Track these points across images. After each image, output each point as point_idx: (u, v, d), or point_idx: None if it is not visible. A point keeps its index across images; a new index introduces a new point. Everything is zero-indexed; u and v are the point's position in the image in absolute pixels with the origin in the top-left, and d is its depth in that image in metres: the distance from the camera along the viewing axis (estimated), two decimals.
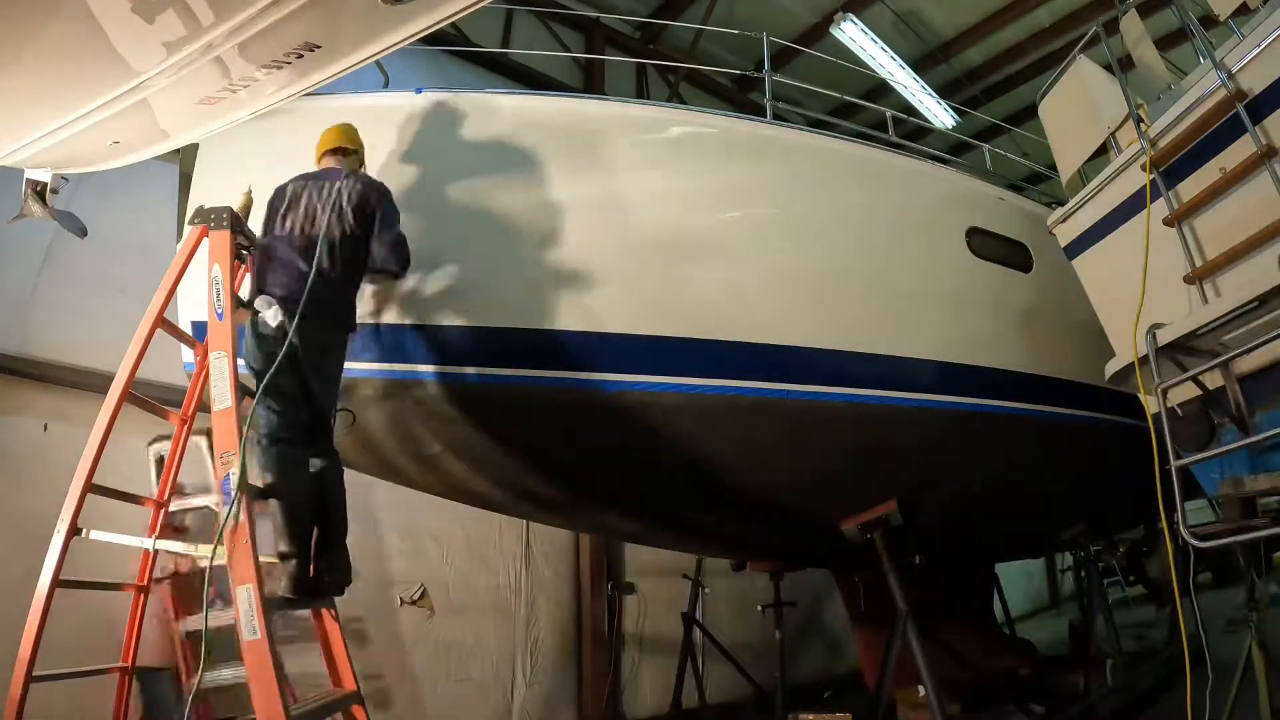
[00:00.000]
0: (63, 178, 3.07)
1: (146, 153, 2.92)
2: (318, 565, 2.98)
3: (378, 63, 3.04)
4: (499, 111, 3.84)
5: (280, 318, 2.92)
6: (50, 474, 4.77)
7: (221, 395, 2.72)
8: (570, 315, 3.72)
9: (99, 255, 5.00)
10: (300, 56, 2.27)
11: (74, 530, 2.89)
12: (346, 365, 3.25)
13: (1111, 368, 3.49)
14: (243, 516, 2.54)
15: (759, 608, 6.57)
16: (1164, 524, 3.14)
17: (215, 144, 3.61)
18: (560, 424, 3.82)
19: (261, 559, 2.52)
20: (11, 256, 4.86)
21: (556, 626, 7.05)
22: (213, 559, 2.71)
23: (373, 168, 3.61)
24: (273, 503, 2.86)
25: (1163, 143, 3.24)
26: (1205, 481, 3.23)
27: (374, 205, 3.25)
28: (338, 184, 3.21)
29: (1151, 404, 3.09)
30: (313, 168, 3.46)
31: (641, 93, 9.18)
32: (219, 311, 2.86)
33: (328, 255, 3.09)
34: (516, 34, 8.19)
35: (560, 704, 6.92)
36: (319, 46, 2.24)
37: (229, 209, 3.11)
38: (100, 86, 2.32)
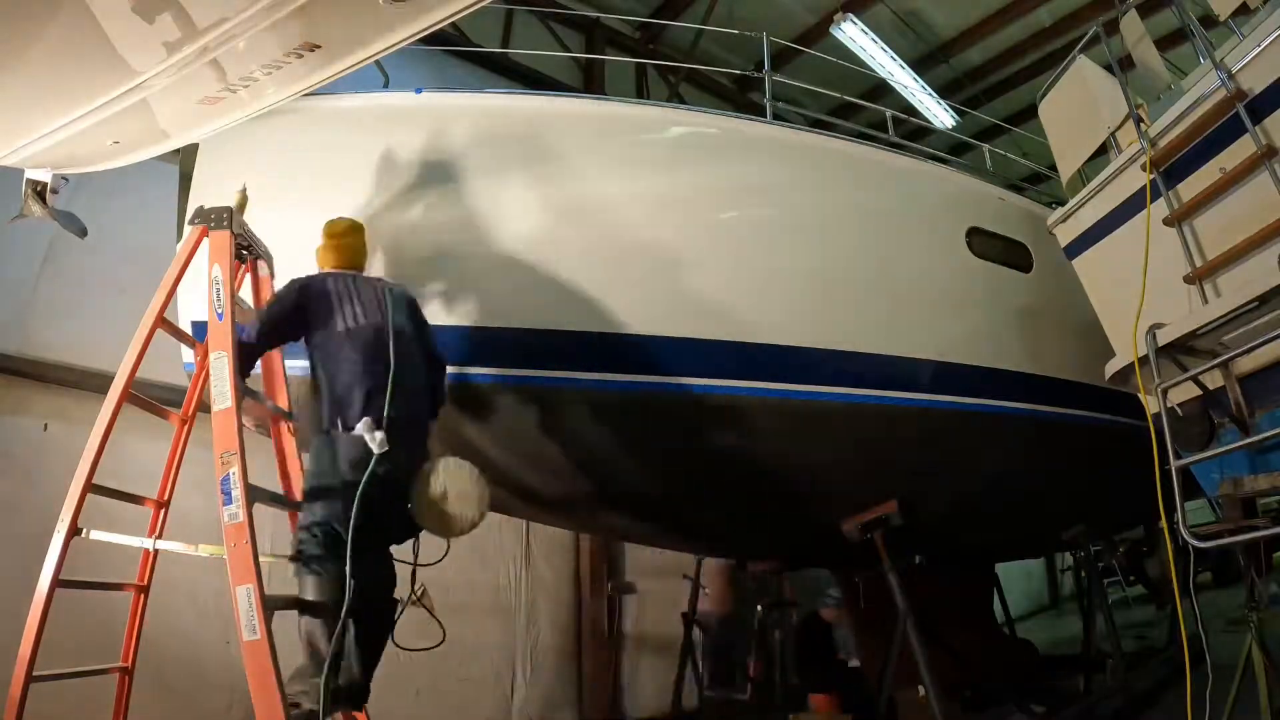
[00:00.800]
0: (63, 178, 3.06)
1: (146, 153, 2.92)
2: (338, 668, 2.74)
3: (378, 63, 3.03)
4: (494, 111, 3.84)
5: (385, 446, 2.74)
6: (50, 474, 4.77)
7: (221, 395, 2.71)
8: (570, 315, 3.72)
9: (99, 255, 5.00)
10: (300, 56, 2.27)
11: (74, 530, 2.87)
12: None
13: (1111, 368, 3.49)
14: (242, 516, 2.52)
15: (759, 607, 6.57)
16: (1164, 524, 3.14)
17: (215, 144, 3.61)
18: (559, 424, 3.82)
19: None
20: (11, 256, 4.87)
21: (556, 626, 7.06)
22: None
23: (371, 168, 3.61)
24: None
25: (1163, 143, 3.24)
26: (1205, 481, 3.23)
27: (423, 321, 3.27)
28: (393, 294, 3.12)
29: (1151, 404, 3.09)
30: (314, 169, 3.46)
31: (641, 93, 9.19)
32: (219, 312, 2.84)
33: (413, 371, 3.02)
34: (516, 34, 8.20)
35: (560, 704, 6.92)
36: (319, 46, 2.24)
37: (229, 209, 3.11)
38: (100, 86, 2.32)
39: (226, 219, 3.07)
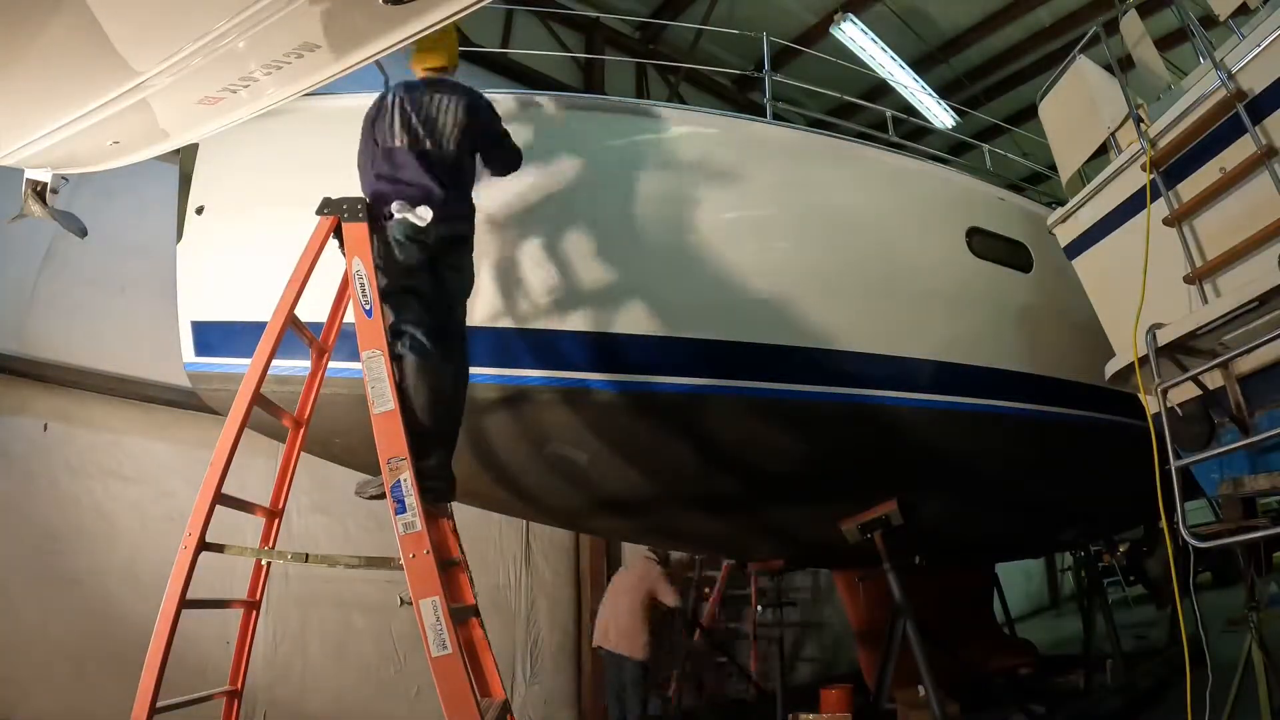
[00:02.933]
0: (63, 178, 3.05)
1: (146, 153, 2.91)
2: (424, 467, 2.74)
3: (378, 63, 3.03)
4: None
5: (430, 215, 2.88)
6: (50, 474, 4.79)
7: (382, 396, 2.56)
8: (568, 315, 3.72)
9: (99, 255, 5.01)
10: (300, 56, 2.26)
11: (202, 545, 2.56)
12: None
13: (1111, 368, 3.49)
14: (420, 524, 2.37)
15: (759, 608, 6.58)
16: (1164, 524, 3.13)
17: (215, 144, 3.61)
18: (557, 424, 3.82)
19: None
20: (11, 256, 4.88)
21: (556, 626, 7.06)
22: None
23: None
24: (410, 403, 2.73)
25: (1163, 143, 3.24)
26: (1205, 481, 3.23)
27: (487, 118, 3.30)
28: (451, 96, 3.20)
29: (1151, 404, 3.09)
30: (314, 169, 3.45)
31: (641, 93, 9.19)
32: (367, 308, 2.71)
33: (454, 160, 3.12)
34: (516, 34, 8.20)
35: (560, 704, 6.93)
36: (319, 46, 2.24)
37: (362, 199, 2.97)
38: (100, 86, 2.31)
39: (362, 210, 2.91)
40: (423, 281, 2.97)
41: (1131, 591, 11.10)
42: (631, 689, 5.92)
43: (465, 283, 3.23)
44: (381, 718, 5.80)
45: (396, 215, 2.92)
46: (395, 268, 2.92)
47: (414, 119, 3.12)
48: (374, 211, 2.97)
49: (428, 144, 3.10)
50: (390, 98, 3.18)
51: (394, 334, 2.84)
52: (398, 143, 3.09)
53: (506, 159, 3.45)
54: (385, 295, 2.89)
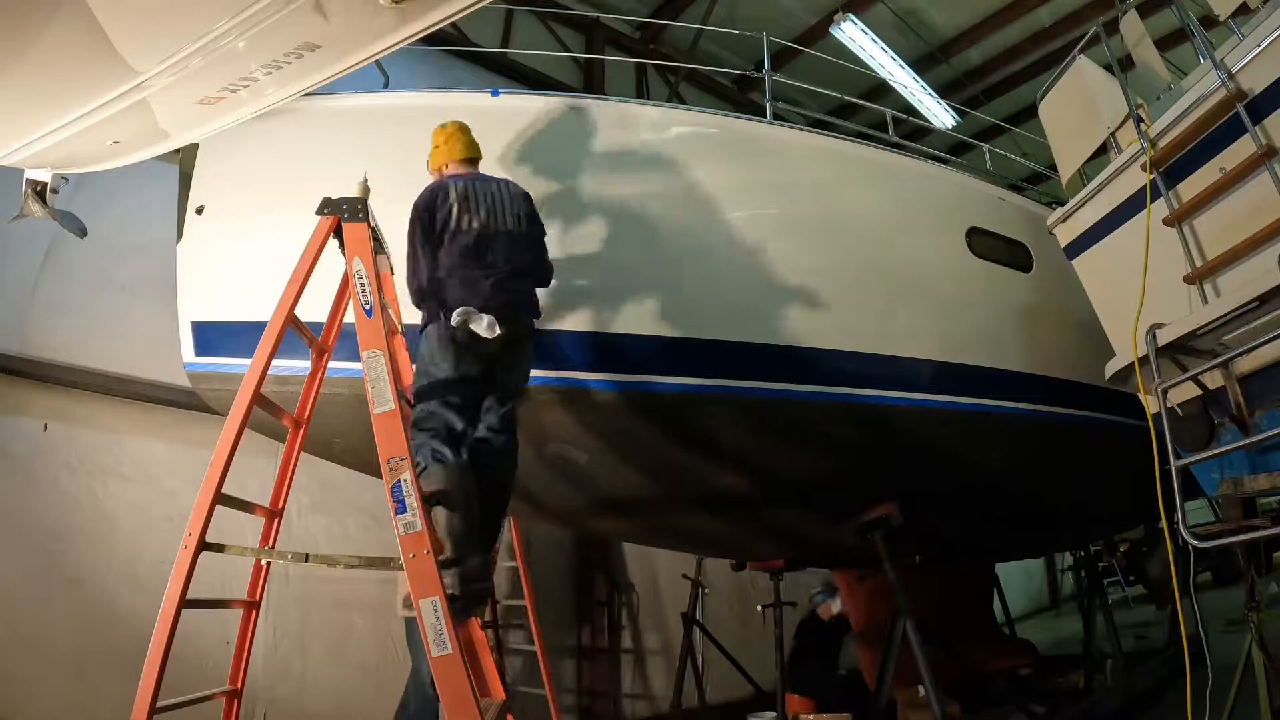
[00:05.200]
0: (63, 178, 3.06)
1: (146, 153, 2.91)
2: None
3: (378, 63, 3.03)
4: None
5: (497, 329, 2.84)
6: (50, 474, 4.79)
7: (382, 396, 2.54)
8: (568, 316, 3.72)
9: (99, 255, 5.01)
10: (300, 56, 2.26)
11: (202, 545, 2.55)
12: None
13: (1111, 368, 3.49)
14: (420, 524, 2.37)
15: (759, 608, 6.58)
16: (1164, 524, 3.13)
17: (215, 144, 3.61)
18: (557, 424, 3.82)
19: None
20: (11, 256, 4.87)
21: (556, 626, 7.06)
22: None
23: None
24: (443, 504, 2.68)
25: (1163, 143, 3.24)
26: (1205, 481, 3.23)
27: (536, 216, 3.28)
28: (508, 189, 3.19)
29: (1151, 404, 3.10)
30: (314, 169, 3.44)
31: (641, 93, 9.19)
32: (367, 308, 2.70)
33: (524, 254, 3.12)
34: (516, 34, 8.20)
35: (560, 704, 6.92)
36: (319, 46, 2.24)
37: (362, 200, 2.95)
38: (100, 86, 2.31)
39: (362, 210, 2.90)
40: (468, 391, 2.90)
41: (1131, 591, 11.10)
42: None
43: (523, 375, 3.15)
44: (382, 717, 5.79)
45: (456, 321, 2.83)
46: (443, 375, 2.86)
47: (480, 211, 3.05)
48: (446, 313, 2.89)
49: (507, 225, 3.08)
50: (450, 188, 3.08)
51: (416, 443, 2.74)
52: (477, 226, 3.02)
53: (542, 238, 3.36)
54: (420, 396, 2.83)
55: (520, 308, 3.09)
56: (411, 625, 4.30)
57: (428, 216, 3.06)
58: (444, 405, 2.86)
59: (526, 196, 3.26)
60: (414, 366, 3.01)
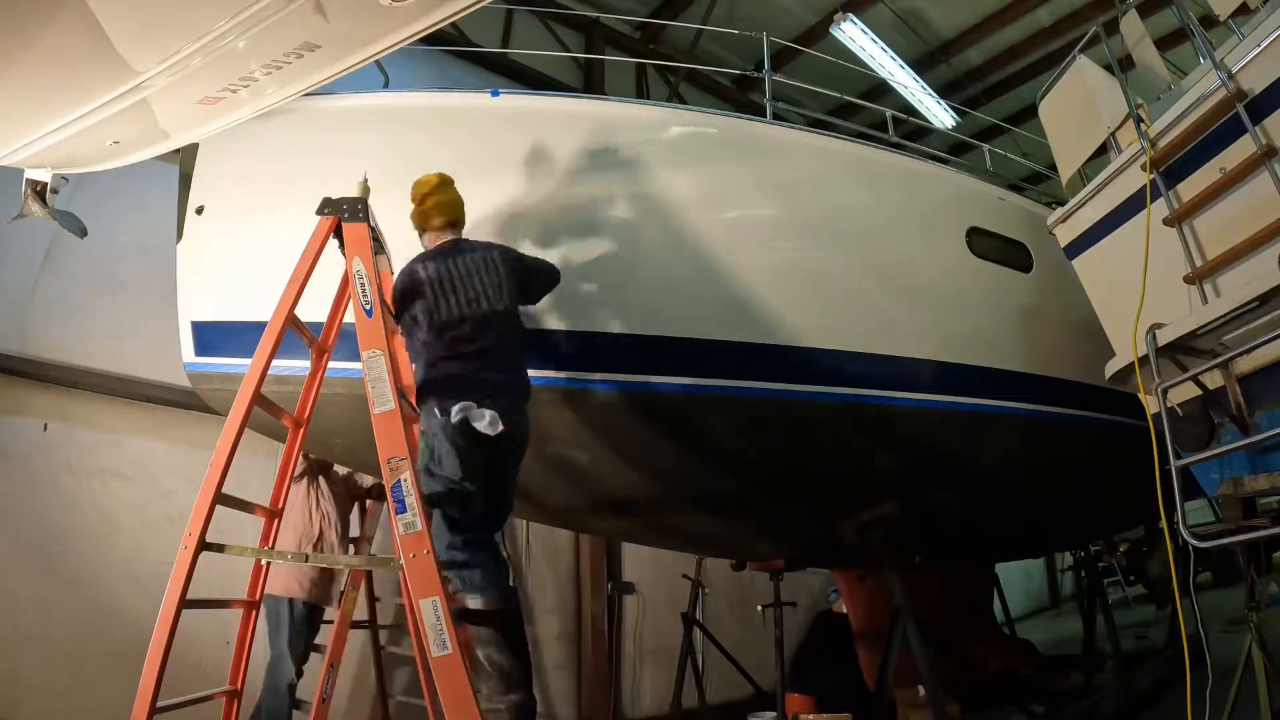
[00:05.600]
0: (63, 178, 3.06)
1: (146, 153, 2.91)
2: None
3: (378, 63, 3.03)
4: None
5: (500, 426, 2.72)
6: (50, 474, 4.79)
7: (382, 397, 2.53)
8: (569, 316, 3.72)
9: (99, 255, 5.01)
10: (300, 56, 2.26)
11: (202, 545, 2.54)
12: None
13: (1111, 368, 3.49)
14: (420, 524, 2.36)
15: (759, 608, 6.58)
16: (1164, 524, 3.13)
17: (215, 144, 3.61)
18: (558, 424, 3.82)
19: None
20: (11, 256, 4.88)
21: (556, 626, 7.06)
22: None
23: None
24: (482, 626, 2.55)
25: (1163, 143, 3.24)
26: (1205, 481, 3.23)
27: (525, 272, 3.19)
28: (490, 260, 3.04)
29: (1151, 404, 3.09)
30: (314, 169, 3.44)
31: (641, 93, 9.19)
32: (367, 308, 2.69)
33: (513, 338, 3.01)
34: (516, 34, 8.20)
35: (560, 704, 6.92)
36: (319, 46, 2.24)
37: (363, 200, 2.93)
38: (100, 86, 2.31)
39: (362, 210, 2.89)
40: (474, 493, 2.75)
41: (1131, 591, 11.10)
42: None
43: (513, 494, 3.04)
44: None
45: (455, 417, 2.72)
46: (448, 477, 2.73)
47: (462, 293, 2.93)
48: (442, 400, 2.78)
49: (491, 305, 2.95)
50: (421, 271, 2.95)
51: (450, 562, 2.60)
52: (457, 313, 2.89)
53: (547, 276, 3.30)
54: (432, 504, 2.65)
55: (519, 397, 2.98)
56: (276, 606, 4.10)
57: (402, 307, 2.99)
58: (476, 516, 2.74)
59: (509, 260, 3.11)
60: (422, 464, 2.82)
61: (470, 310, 2.93)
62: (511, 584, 2.81)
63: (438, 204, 3.15)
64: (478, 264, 3.02)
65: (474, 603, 2.59)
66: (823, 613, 6.80)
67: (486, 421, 2.73)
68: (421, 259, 3.05)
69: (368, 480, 4.86)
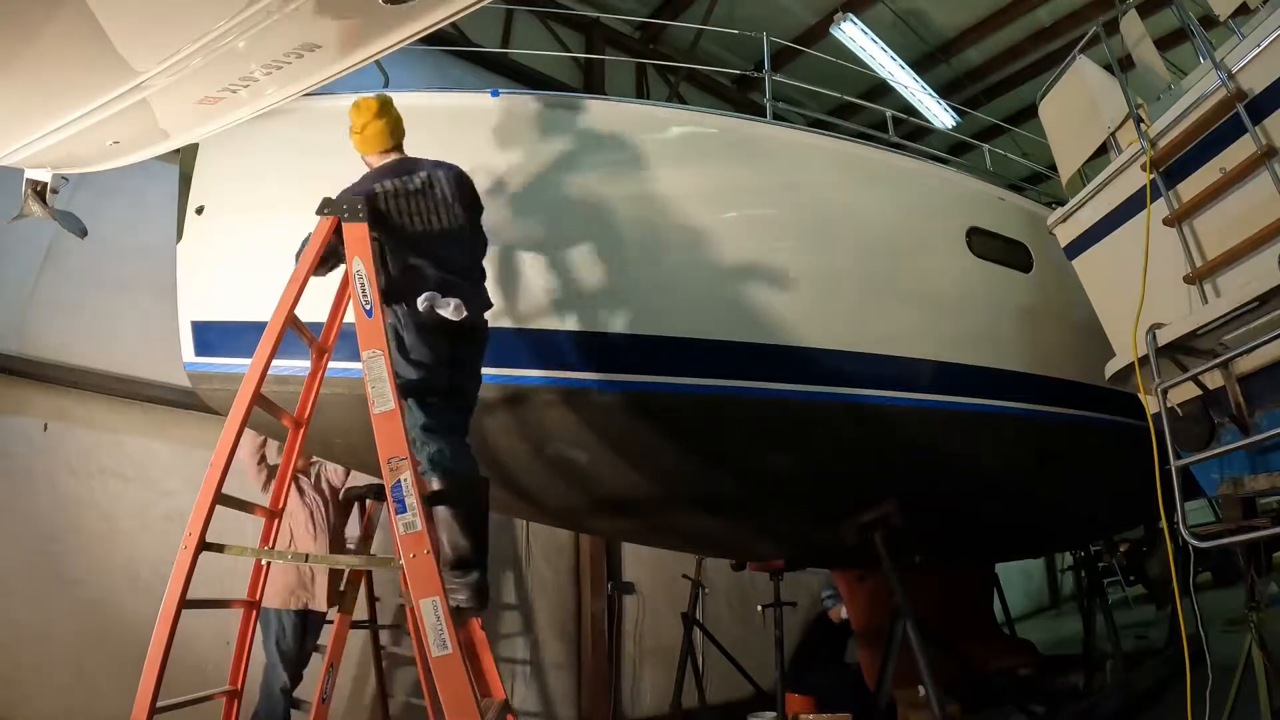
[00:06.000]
0: (63, 178, 3.06)
1: (146, 153, 2.91)
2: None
3: (378, 63, 3.03)
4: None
5: (464, 312, 2.88)
6: (50, 474, 4.79)
7: (382, 396, 2.56)
8: (568, 315, 3.72)
9: (99, 255, 5.01)
10: (300, 56, 2.27)
11: (202, 545, 2.53)
12: None
13: (1111, 368, 3.49)
14: (420, 524, 2.38)
15: (759, 608, 6.58)
16: (1164, 524, 3.14)
17: (215, 144, 3.61)
18: (558, 424, 3.82)
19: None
20: (11, 256, 4.88)
21: (556, 626, 7.06)
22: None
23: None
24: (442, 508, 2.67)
25: (1163, 143, 3.24)
26: (1205, 481, 3.23)
27: (476, 201, 3.27)
28: (440, 179, 3.13)
29: (1151, 404, 3.09)
30: (314, 169, 3.43)
31: (641, 93, 9.19)
32: (367, 308, 2.73)
33: (471, 245, 3.14)
34: (516, 34, 8.20)
35: (560, 704, 6.92)
36: (319, 46, 2.24)
37: (364, 199, 2.95)
38: (100, 86, 2.32)
39: (362, 210, 2.91)
40: (443, 378, 2.91)
41: (1131, 591, 11.10)
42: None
43: (478, 383, 3.16)
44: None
45: (422, 306, 2.86)
46: (419, 362, 2.88)
47: (419, 203, 3.04)
48: (407, 297, 2.91)
49: (444, 223, 3.06)
50: (376, 194, 3.01)
51: (422, 443, 2.75)
52: (409, 228, 3.00)
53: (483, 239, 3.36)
54: (405, 392, 2.80)
55: (478, 290, 3.11)
56: (264, 615, 4.03)
57: (374, 212, 3.03)
58: (436, 395, 2.87)
59: (461, 179, 3.19)
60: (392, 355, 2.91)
61: (431, 224, 3.04)
62: (483, 474, 2.94)
63: (383, 128, 3.21)
64: (432, 184, 3.12)
65: (440, 484, 2.69)
66: (820, 615, 6.80)
67: (451, 308, 2.86)
68: (377, 176, 3.11)
69: (337, 478, 4.90)
